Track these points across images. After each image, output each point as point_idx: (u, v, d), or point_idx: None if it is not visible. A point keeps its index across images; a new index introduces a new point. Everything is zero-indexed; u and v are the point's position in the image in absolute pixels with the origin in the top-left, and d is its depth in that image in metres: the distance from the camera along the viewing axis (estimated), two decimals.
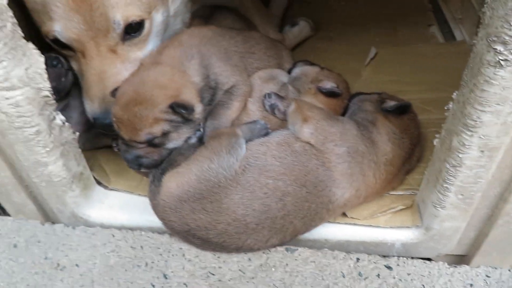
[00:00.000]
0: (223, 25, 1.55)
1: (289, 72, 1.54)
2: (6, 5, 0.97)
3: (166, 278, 1.19)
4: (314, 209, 1.14)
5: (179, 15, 1.48)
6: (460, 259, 1.35)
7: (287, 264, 1.19)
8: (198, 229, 1.13)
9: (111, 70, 1.23)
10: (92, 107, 1.27)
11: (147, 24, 1.27)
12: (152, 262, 1.21)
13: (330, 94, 1.36)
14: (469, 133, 0.96)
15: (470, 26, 1.96)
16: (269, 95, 1.33)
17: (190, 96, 1.23)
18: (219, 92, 1.32)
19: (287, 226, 1.13)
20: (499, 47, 0.81)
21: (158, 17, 1.33)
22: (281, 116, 1.32)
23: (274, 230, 1.13)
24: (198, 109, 1.25)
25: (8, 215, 1.46)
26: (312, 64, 1.52)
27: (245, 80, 1.36)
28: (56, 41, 1.25)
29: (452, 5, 2.18)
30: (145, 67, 1.25)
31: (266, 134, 1.28)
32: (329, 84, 1.37)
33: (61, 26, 1.18)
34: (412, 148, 1.30)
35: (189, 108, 1.20)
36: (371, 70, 1.89)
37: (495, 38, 0.81)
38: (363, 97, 1.42)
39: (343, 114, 1.43)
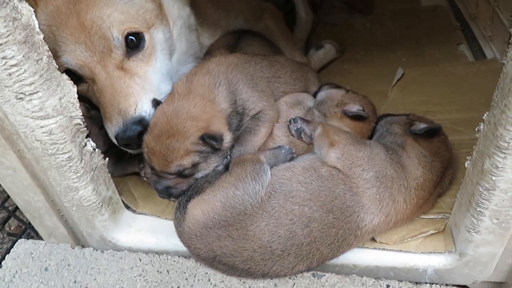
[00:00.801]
0: (249, 52, 1.58)
1: (314, 95, 1.54)
2: (43, 40, 1.03)
3: None
4: (342, 235, 1.12)
5: (183, 37, 1.52)
6: (498, 287, 1.28)
7: None
8: (224, 255, 1.12)
9: (120, 86, 1.26)
10: (111, 127, 1.28)
11: (146, 37, 1.32)
12: (178, 287, 1.21)
13: (356, 117, 1.35)
14: (502, 155, 0.93)
15: (501, 43, 1.91)
16: (294, 119, 1.33)
17: (219, 125, 1.25)
18: (246, 118, 1.33)
19: (313, 253, 1.11)
20: None
21: (159, 35, 1.37)
22: (307, 140, 1.31)
23: (300, 256, 1.11)
24: (227, 137, 1.26)
25: (41, 238, 1.50)
26: (337, 86, 1.52)
27: (272, 105, 1.37)
28: (70, 75, 1.29)
29: (481, 22, 2.13)
30: (179, 95, 1.27)
31: (291, 159, 1.28)
32: (355, 107, 1.35)
33: (68, 58, 1.25)
34: (444, 171, 1.26)
35: (218, 139, 1.22)
36: (399, 91, 1.87)
37: None
38: (390, 119, 1.39)
39: (370, 137, 1.41)
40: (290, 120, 1.34)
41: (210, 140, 1.20)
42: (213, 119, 1.23)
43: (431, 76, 1.89)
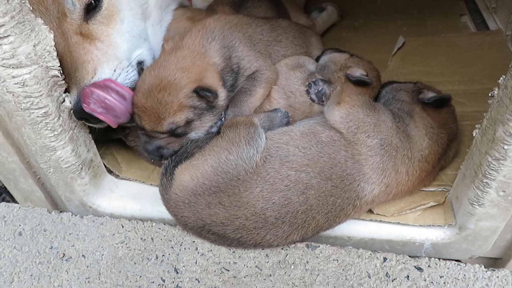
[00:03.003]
0: (254, 14, 1.51)
1: (317, 60, 1.46)
2: None
3: (177, 272, 1.11)
4: (340, 204, 1.05)
5: None
6: (493, 262, 1.24)
7: (307, 262, 1.10)
8: (214, 224, 1.05)
9: (78, 52, 1.14)
10: (71, 99, 1.15)
11: None
12: (163, 255, 1.14)
13: (358, 82, 1.27)
14: None
15: (506, 15, 1.83)
16: (315, 82, 1.25)
17: (213, 80, 1.17)
18: (241, 78, 1.26)
19: (309, 222, 1.05)
20: None
21: None
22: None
23: (295, 225, 1.04)
24: (222, 94, 1.19)
25: (17, 202, 1.41)
26: (341, 51, 1.43)
27: (269, 65, 1.30)
28: None
29: None
30: (166, 53, 1.20)
31: (287, 123, 1.20)
32: (358, 72, 1.27)
33: None
34: (449, 144, 1.19)
35: (213, 92, 1.15)
36: (399, 60, 1.79)
37: None
38: (397, 85, 1.32)
39: None
40: (309, 83, 1.26)
41: (204, 93, 1.12)
42: (205, 73, 1.16)
43: (433, 46, 1.82)
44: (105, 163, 1.35)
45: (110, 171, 1.37)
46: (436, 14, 2.05)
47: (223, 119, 1.22)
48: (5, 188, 1.41)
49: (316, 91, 1.24)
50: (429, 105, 1.21)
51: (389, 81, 1.38)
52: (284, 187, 1.03)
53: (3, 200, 1.63)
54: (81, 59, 1.13)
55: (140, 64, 1.25)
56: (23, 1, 0.94)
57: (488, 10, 1.99)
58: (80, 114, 1.14)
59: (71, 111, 1.14)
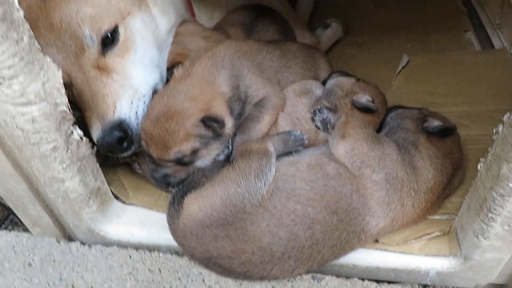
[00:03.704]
0: (264, 37, 1.53)
1: (323, 83, 1.45)
2: (23, 17, 0.92)
3: None
4: (345, 238, 1.06)
5: (165, 16, 1.39)
6: None
7: None
8: (220, 257, 1.05)
9: (97, 86, 1.16)
10: (94, 133, 1.19)
11: (121, 30, 1.20)
12: (170, 287, 1.15)
13: (364, 109, 1.27)
14: None
15: (510, 31, 1.83)
16: (320, 109, 1.25)
17: (220, 109, 1.18)
18: (248, 106, 1.27)
19: (314, 256, 1.05)
20: None
21: (137, 23, 1.25)
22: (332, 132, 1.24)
23: (301, 260, 1.05)
24: (229, 123, 1.20)
25: (25, 227, 1.42)
26: (347, 75, 1.43)
27: (277, 92, 1.30)
28: None
29: (490, 9, 2.04)
30: (176, 80, 1.21)
31: (302, 145, 1.20)
32: (364, 98, 1.26)
33: None
34: (454, 173, 1.19)
35: (220, 121, 1.16)
36: (403, 79, 1.79)
37: None
38: (402, 112, 1.31)
39: (379, 129, 1.34)
40: (314, 111, 1.26)
41: (212, 123, 1.13)
42: (213, 102, 1.17)
43: (437, 65, 1.81)
44: (112, 190, 1.36)
45: (117, 197, 1.38)
46: (440, 30, 2.04)
47: (230, 147, 1.23)
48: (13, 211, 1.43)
49: (321, 118, 1.25)
50: (434, 134, 1.22)
51: (395, 105, 1.38)
52: (291, 222, 1.03)
53: (11, 222, 1.65)
54: (101, 93, 1.16)
55: (155, 93, 1.27)
56: (32, 41, 0.95)
57: (493, 26, 1.98)
58: (105, 148, 1.17)
59: (79, 143, 1.15)
